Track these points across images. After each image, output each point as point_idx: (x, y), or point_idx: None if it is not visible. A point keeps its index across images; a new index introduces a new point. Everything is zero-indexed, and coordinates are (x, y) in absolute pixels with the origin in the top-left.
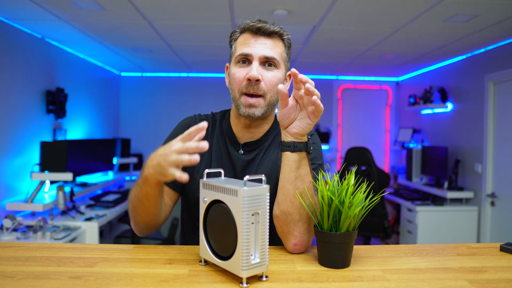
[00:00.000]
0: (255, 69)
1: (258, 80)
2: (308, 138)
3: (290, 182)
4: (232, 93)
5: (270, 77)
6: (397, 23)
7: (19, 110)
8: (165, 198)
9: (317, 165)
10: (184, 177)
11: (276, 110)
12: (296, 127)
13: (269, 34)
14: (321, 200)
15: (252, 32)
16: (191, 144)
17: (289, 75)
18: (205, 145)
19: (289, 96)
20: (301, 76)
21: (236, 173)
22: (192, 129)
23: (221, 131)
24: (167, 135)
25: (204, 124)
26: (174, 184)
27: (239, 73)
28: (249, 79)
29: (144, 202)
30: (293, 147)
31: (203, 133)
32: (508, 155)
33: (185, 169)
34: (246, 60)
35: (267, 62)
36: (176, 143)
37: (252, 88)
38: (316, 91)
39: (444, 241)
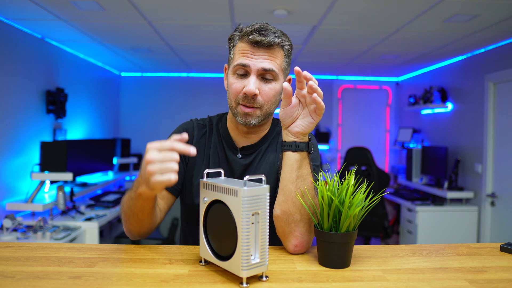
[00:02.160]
0: (252, 84)
1: (255, 95)
2: (309, 138)
3: (291, 182)
4: (228, 101)
5: (267, 91)
6: (397, 23)
7: (19, 110)
8: (160, 202)
9: (315, 166)
10: (172, 178)
11: (278, 110)
12: (299, 126)
13: (268, 46)
14: (321, 200)
15: (251, 44)
16: (166, 146)
17: (288, 80)
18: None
19: (292, 95)
20: (305, 73)
21: (234, 177)
22: (175, 141)
23: (218, 135)
24: (167, 135)
25: (185, 136)
26: (172, 188)
27: (236, 84)
28: (245, 93)
29: (138, 214)
30: (295, 146)
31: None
32: (508, 155)
33: (186, 173)
34: (244, 71)
35: (266, 74)
36: (149, 153)
37: (248, 101)
38: (318, 89)
39: (444, 241)
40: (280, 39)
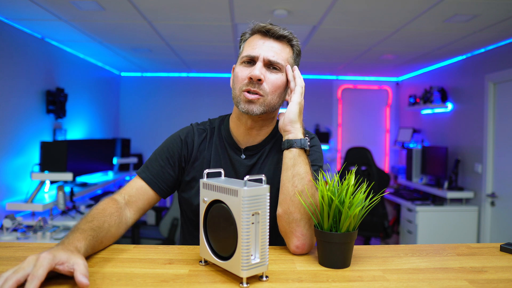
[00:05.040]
0: (258, 69)
1: (260, 80)
2: (306, 136)
3: (288, 180)
4: (233, 92)
5: (273, 79)
6: (397, 23)
7: (19, 110)
8: (142, 201)
9: (318, 167)
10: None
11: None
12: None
13: (277, 37)
14: (321, 200)
15: (261, 34)
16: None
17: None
18: None
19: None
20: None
21: (238, 178)
22: None
23: (220, 137)
24: (167, 135)
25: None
26: (158, 187)
27: (242, 72)
28: (251, 78)
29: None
30: (286, 143)
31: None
32: (508, 155)
33: (185, 177)
34: (251, 61)
35: (272, 64)
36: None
37: (253, 86)
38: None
39: (444, 241)
40: (289, 33)
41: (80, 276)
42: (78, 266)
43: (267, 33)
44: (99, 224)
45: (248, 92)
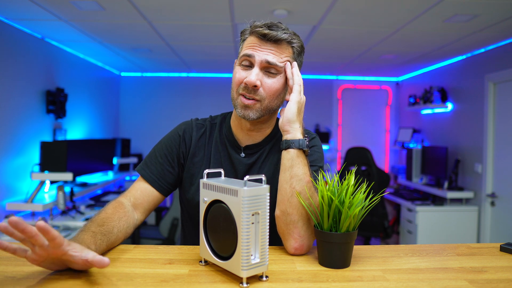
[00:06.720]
0: (254, 75)
1: (255, 86)
2: (305, 136)
3: (286, 181)
4: (231, 92)
5: (270, 84)
6: (397, 23)
7: (19, 110)
8: (145, 202)
9: (318, 167)
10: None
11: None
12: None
13: (275, 41)
14: (321, 200)
15: (259, 36)
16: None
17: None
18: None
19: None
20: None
21: (237, 176)
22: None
23: (221, 134)
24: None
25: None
26: (160, 186)
27: (239, 73)
28: (246, 84)
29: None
30: (284, 143)
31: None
32: (508, 155)
33: (185, 173)
34: (249, 62)
35: (269, 68)
36: None
37: (248, 92)
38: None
39: (444, 241)
40: (288, 35)
41: (98, 256)
42: (90, 253)
43: (264, 38)
44: (109, 229)
45: (245, 96)
